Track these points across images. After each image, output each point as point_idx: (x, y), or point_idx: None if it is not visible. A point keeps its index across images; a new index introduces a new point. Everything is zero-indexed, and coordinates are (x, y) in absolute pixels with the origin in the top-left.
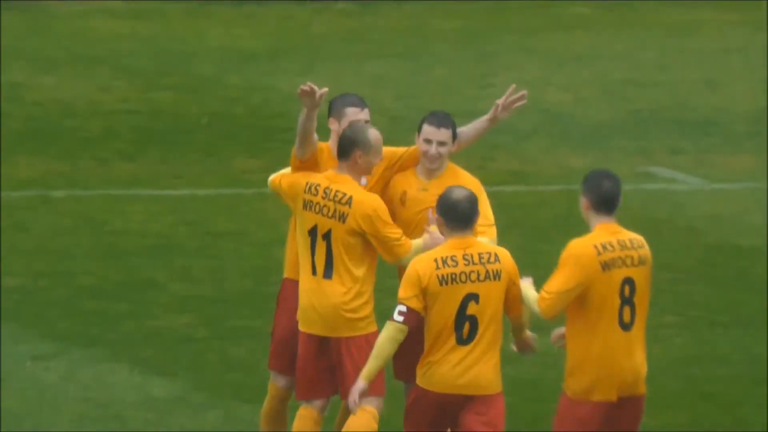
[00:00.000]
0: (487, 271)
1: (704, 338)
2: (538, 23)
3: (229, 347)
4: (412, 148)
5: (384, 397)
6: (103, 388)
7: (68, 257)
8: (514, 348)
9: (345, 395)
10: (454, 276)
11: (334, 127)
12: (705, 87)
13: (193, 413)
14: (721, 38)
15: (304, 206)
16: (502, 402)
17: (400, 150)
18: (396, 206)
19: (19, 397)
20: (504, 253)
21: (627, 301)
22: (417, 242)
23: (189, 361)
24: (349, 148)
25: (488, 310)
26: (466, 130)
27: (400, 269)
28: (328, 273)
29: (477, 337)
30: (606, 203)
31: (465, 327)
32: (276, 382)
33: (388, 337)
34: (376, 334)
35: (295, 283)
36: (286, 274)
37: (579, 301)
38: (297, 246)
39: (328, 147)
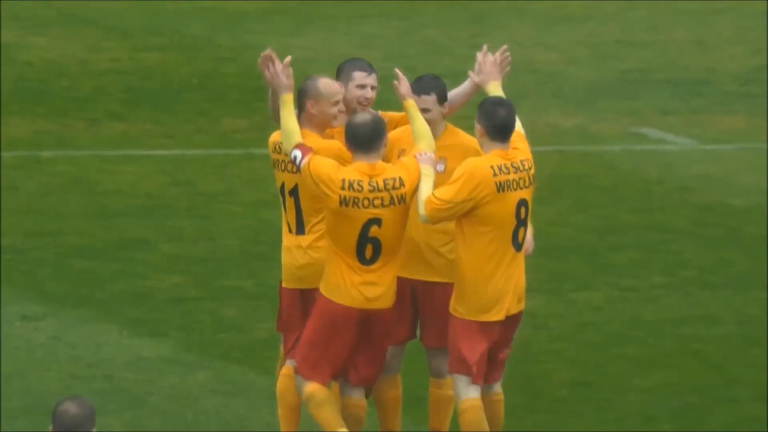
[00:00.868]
0: (392, 197)
1: (695, 298)
2: None
3: (219, 307)
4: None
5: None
6: (93, 348)
7: (58, 217)
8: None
9: None
10: (356, 200)
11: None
12: (695, 47)
13: (182, 373)
14: None
15: (274, 166)
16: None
17: (397, 115)
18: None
19: (8, 357)
20: (408, 175)
21: (522, 222)
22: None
23: (179, 321)
24: (300, 99)
25: (389, 233)
26: (453, 93)
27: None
28: (300, 229)
29: (380, 259)
30: (501, 131)
31: (367, 249)
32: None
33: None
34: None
35: None
36: None
37: (474, 221)
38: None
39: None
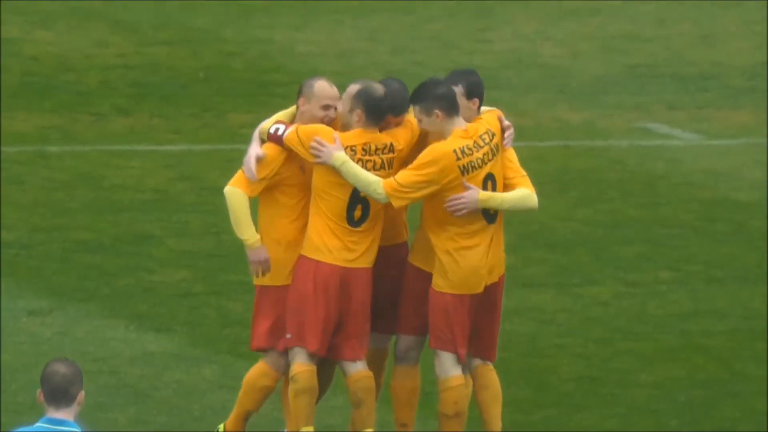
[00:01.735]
0: (382, 161)
1: (701, 293)
2: None
3: (226, 302)
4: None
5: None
6: (99, 343)
7: (64, 212)
8: None
9: None
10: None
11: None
12: (702, 42)
13: (189, 368)
14: None
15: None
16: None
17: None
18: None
19: (15, 352)
20: (399, 140)
21: None
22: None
23: (185, 316)
24: (297, 95)
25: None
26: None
27: None
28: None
29: (367, 221)
30: (454, 105)
31: (357, 210)
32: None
33: None
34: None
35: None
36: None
37: (442, 199)
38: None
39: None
